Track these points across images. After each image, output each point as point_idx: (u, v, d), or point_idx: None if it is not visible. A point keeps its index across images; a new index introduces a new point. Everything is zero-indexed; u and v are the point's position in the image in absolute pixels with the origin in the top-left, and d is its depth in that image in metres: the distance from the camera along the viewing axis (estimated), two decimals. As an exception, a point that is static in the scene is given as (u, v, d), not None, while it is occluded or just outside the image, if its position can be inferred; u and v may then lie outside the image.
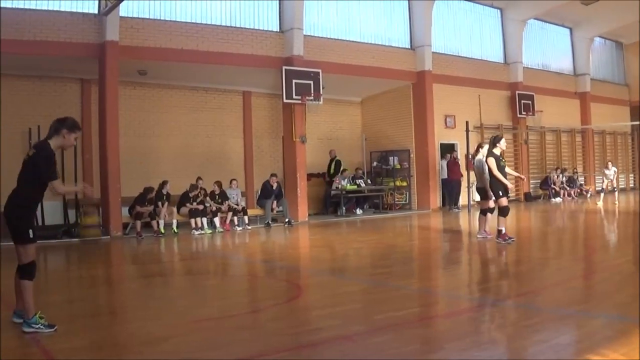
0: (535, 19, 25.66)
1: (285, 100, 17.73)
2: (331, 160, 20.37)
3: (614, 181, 22.20)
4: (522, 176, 15.66)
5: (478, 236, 12.36)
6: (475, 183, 12.89)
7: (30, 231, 5.70)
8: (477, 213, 13.12)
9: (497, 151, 11.65)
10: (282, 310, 6.85)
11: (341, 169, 20.18)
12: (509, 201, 12.22)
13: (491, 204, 12.12)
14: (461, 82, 22.34)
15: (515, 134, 24.03)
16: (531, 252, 11.18)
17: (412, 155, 21.32)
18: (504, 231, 11.54)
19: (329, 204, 20.43)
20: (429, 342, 5.55)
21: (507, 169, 12.13)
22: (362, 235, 15.28)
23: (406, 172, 21.45)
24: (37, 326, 5.60)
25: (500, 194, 11.60)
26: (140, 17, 15.85)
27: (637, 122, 28.03)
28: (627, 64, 31.96)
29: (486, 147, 12.08)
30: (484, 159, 11.87)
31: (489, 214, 12.19)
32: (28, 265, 5.70)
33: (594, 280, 8.32)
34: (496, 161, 11.53)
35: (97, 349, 5.28)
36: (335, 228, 16.97)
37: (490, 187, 11.74)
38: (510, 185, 11.78)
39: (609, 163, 22.77)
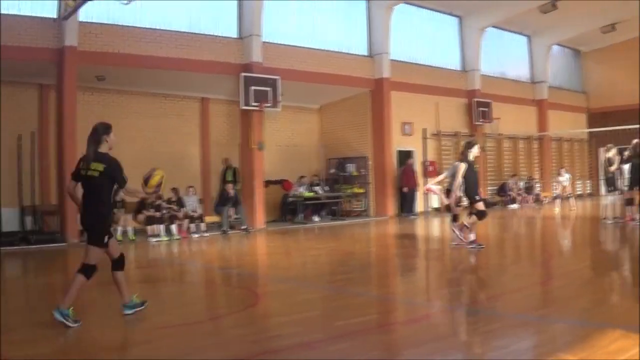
0: (493, 27, 26.58)
1: (242, 107, 18.22)
2: (226, 169, 19.79)
3: (569, 187, 23.20)
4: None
5: (454, 243, 12.75)
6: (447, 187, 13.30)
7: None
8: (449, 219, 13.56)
9: (470, 157, 12.10)
10: (243, 318, 7.11)
11: (238, 177, 19.71)
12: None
13: (456, 210, 12.61)
14: (419, 90, 23.17)
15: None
16: (490, 259, 11.60)
17: (369, 162, 22.08)
18: (474, 237, 12.05)
19: (287, 211, 21.00)
20: (389, 348, 5.80)
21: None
22: (320, 242, 15.83)
23: (364, 179, 22.21)
24: (140, 307, 7.00)
25: (477, 198, 12.10)
26: (99, 22, 16.16)
27: (594, 129, 29.43)
28: (585, 72, 33.31)
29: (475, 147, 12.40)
30: (459, 164, 12.29)
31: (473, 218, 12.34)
32: (119, 258, 6.96)
33: (554, 286, 8.70)
34: (469, 167, 12.00)
35: (61, 356, 5.45)
36: (293, 235, 17.51)
37: (465, 192, 12.18)
38: (452, 201, 12.30)
39: (561, 170, 23.86)
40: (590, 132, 31.48)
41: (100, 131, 6.82)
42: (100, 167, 6.61)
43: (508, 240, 15.16)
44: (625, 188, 16.67)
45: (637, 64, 29.17)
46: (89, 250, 6.64)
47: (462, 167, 11.98)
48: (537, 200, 27.31)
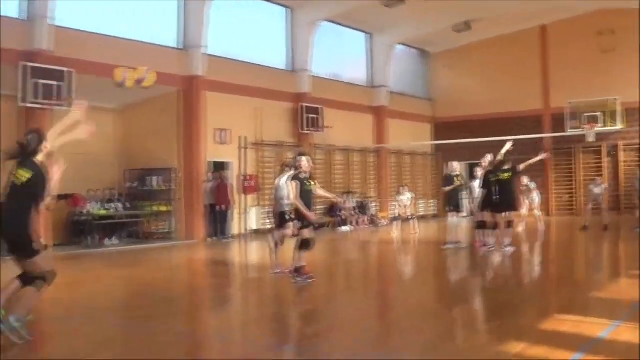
0: (328, 21, 28.00)
1: (23, 104, 18.11)
2: None
3: (410, 207, 24.57)
4: (338, 199, 17.06)
5: (275, 271, 13.22)
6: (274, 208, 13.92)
7: None
8: (271, 243, 13.80)
9: (301, 172, 12.47)
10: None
11: None
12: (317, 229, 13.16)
13: (288, 232, 13.12)
14: (239, 91, 23.90)
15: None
16: (318, 289, 12.08)
17: (177, 175, 22.44)
18: (304, 267, 12.22)
19: (75, 232, 20.81)
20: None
21: (321, 191, 13.59)
22: (116, 270, 16.18)
23: (170, 195, 22.56)
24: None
25: (305, 224, 12.38)
26: None
27: (441, 142, 31.74)
28: (433, 76, 35.74)
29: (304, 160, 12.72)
30: (287, 181, 12.76)
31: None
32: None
33: (392, 319, 9.34)
34: (301, 185, 12.29)
35: None
36: (83, 262, 17.65)
37: (296, 213, 12.51)
38: (312, 216, 12.56)
39: (401, 187, 25.06)
40: (436, 145, 33.89)
41: (35, 142, 7.63)
42: (27, 175, 7.43)
43: (339, 268, 16.16)
44: (476, 209, 17.77)
45: (492, 69, 31.93)
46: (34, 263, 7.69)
47: (294, 185, 12.25)
48: (373, 221, 28.87)
